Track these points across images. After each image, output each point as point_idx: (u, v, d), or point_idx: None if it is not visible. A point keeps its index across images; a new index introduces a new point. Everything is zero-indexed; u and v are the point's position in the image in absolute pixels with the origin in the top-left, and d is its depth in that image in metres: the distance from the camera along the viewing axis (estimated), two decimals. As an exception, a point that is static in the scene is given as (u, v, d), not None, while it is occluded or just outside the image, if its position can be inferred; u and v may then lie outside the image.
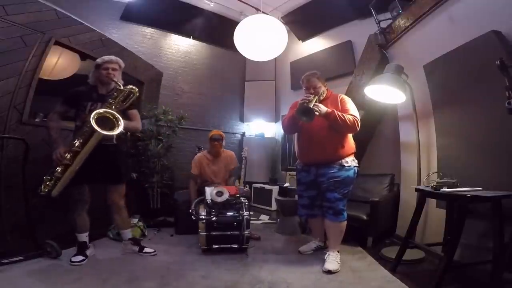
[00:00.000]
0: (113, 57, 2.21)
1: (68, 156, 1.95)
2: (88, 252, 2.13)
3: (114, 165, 2.19)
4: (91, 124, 1.90)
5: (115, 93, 2.09)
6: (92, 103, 2.11)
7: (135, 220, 2.80)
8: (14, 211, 2.07)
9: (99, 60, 2.18)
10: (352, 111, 2.21)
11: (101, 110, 1.99)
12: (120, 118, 2.02)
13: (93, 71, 2.21)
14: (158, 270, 2.02)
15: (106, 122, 1.99)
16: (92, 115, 1.92)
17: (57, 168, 1.94)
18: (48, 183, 1.94)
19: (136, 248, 2.34)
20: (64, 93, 2.19)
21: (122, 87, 2.09)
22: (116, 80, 2.12)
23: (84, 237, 2.15)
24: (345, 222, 2.22)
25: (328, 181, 2.15)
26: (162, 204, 3.48)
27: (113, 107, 2.05)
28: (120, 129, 1.99)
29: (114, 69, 2.17)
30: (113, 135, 2.00)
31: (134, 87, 2.12)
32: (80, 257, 2.03)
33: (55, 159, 1.95)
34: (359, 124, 2.16)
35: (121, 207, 2.29)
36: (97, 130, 1.90)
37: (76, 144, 1.96)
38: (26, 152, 2.04)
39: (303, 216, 2.53)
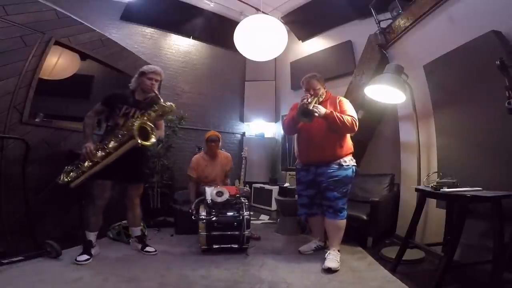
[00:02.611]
0: (158, 69, 2.31)
1: (99, 154, 2.04)
2: (93, 252, 2.13)
3: (137, 165, 2.32)
4: (134, 132, 2.01)
5: (156, 106, 2.19)
6: (127, 107, 2.21)
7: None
8: (14, 211, 2.07)
9: (145, 68, 2.28)
10: (350, 112, 2.24)
11: (144, 121, 2.11)
12: (155, 130, 2.16)
13: (136, 77, 2.30)
14: (158, 270, 2.02)
15: (142, 130, 2.10)
16: (136, 124, 2.04)
17: (85, 163, 2.03)
18: (71, 173, 2.03)
19: (139, 246, 2.38)
20: (65, 93, 2.20)
21: (163, 102, 2.19)
22: (157, 93, 2.24)
23: (92, 236, 2.17)
24: (345, 221, 2.24)
25: (327, 180, 2.18)
26: (162, 204, 3.48)
27: (151, 118, 2.16)
28: (154, 140, 2.13)
29: (156, 81, 2.28)
30: (148, 144, 2.11)
31: (173, 105, 2.25)
32: (85, 256, 2.04)
33: (84, 153, 2.03)
34: (357, 124, 2.20)
35: (137, 205, 2.41)
36: (136, 139, 2.02)
37: (110, 146, 2.05)
38: (26, 152, 2.04)
39: (303, 215, 2.53)
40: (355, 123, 2.18)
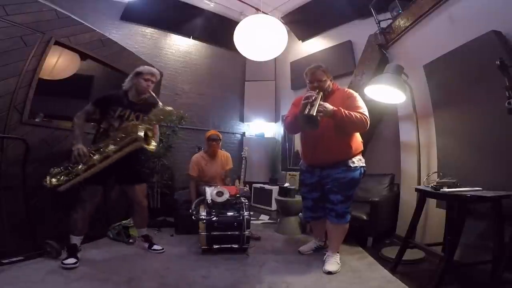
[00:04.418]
0: (155, 70, 2.28)
1: (96, 157, 1.99)
2: (79, 255, 2.05)
3: (133, 166, 2.26)
4: (139, 137, 2.01)
5: (158, 112, 2.17)
6: (122, 109, 2.16)
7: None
8: (14, 211, 2.06)
9: (142, 69, 2.24)
10: (361, 108, 2.06)
11: (148, 127, 2.13)
12: (156, 135, 2.21)
13: (131, 77, 2.25)
14: (158, 270, 2.02)
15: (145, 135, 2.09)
16: (140, 128, 2.05)
17: (79, 166, 1.98)
18: (61, 177, 1.95)
19: (146, 245, 2.41)
20: (65, 93, 2.19)
21: (163, 106, 2.18)
22: (155, 95, 2.23)
23: (78, 239, 2.09)
24: (347, 225, 2.15)
25: (332, 182, 2.07)
26: (162, 204, 3.48)
27: (152, 122, 2.17)
28: (155, 145, 2.16)
29: (153, 82, 2.25)
30: (151, 149, 2.13)
31: (173, 109, 2.25)
32: (73, 260, 1.96)
33: (76, 155, 1.97)
34: (368, 122, 2.02)
35: (144, 207, 2.37)
36: (142, 144, 2.02)
37: (110, 149, 2.01)
38: (26, 152, 2.04)
39: (307, 219, 2.49)
40: (366, 121, 2.00)
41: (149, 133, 2.13)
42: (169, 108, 2.22)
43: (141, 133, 2.03)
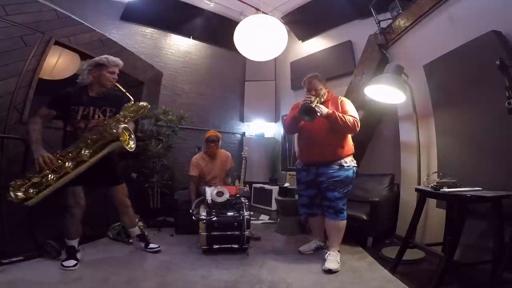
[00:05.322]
0: (120, 62, 2.10)
1: (69, 164, 1.83)
2: (78, 256, 2.05)
3: (108, 167, 2.09)
4: (119, 136, 1.89)
5: (130, 106, 2.03)
6: (84, 107, 1.98)
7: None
8: (14, 211, 2.06)
9: (105, 60, 2.03)
10: (352, 112, 2.25)
11: (126, 126, 1.99)
12: (133, 133, 2.05)
13: (90, 69, 2.03)
14: (158, 270, 2.03)
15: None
16: (120, 128, 1.92)
17: (49, 175, 1.79)
18: (31, 190, 1.75)
19: (142, 244, 2.38)
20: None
21: (135, 101, 2.06)
22: (124, 90, 2.05)
23: (74, 242, 2.05)
24: (345, 221, 2.24)
25: (328, 180, 2.18)
26: (162, 204, 3.48)
27: (126, 119, 2.02)
28: (133, 144, 2.03)
29: (117, 74, 2.09)
30: (130, 149, 2.00)
31: (146, 104, 2.11)
32: (72, 261, 1.95)
33: (41, 163, 1.76)
34: (359, 125, 2.20)
35: (127, 206, 2.29)
36: (123, 145, 1.91)
37: (84, 153, 1.86)
38: (26, 152, 2.04)
39: (303, 215, 2.54)
40: (357, 124, 2.19)
41: (126, 132, 1.98)
42: (143, 103, 2.09)
43: (120, 132, 1.90)
